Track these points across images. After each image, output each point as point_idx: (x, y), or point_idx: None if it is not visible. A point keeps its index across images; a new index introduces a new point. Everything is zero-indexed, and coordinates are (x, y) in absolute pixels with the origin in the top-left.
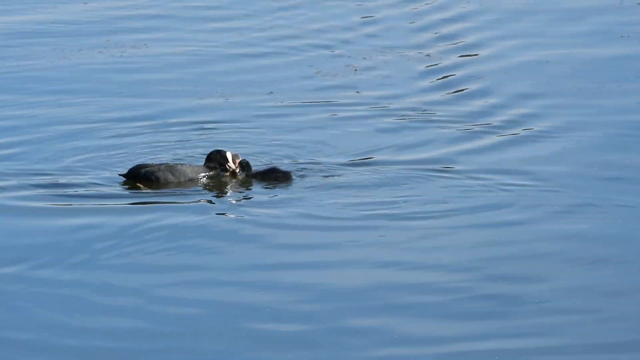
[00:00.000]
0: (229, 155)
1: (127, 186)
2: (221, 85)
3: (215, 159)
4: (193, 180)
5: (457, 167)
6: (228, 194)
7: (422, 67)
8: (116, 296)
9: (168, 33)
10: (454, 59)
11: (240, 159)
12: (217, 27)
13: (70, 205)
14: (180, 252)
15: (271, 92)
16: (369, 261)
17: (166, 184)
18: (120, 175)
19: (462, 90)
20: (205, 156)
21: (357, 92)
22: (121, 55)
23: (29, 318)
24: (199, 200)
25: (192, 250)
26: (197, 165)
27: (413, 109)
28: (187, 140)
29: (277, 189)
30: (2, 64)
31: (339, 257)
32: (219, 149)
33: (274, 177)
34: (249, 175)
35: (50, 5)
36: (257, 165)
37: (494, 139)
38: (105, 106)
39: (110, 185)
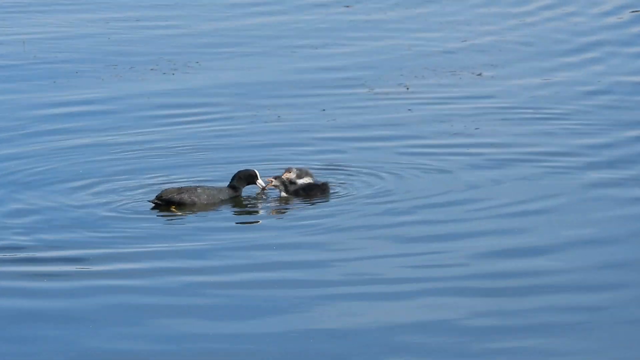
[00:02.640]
0: (257, 174)
1: (158, 211)
2: (273, 104)
3: (244, 178)
4: (224, 201)
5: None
6: (275, 215)
7: (476, 89)
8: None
9: (220, 51)
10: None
11: (278, 178)
12: (267, 47)
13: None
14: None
15: (323, 110)
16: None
17: (198, 206)
18: (150, 201)
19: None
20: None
21: (409, 110)
22: (173, 74)
23: None
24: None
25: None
26: (221, 186)
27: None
28: (242, 159)
29: (321, 204)
30: (53, 81)
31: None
32: (247, 168)
33: (320, 190)
34: (291, 192)
35: (102, 22)
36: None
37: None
38: (157, 125)
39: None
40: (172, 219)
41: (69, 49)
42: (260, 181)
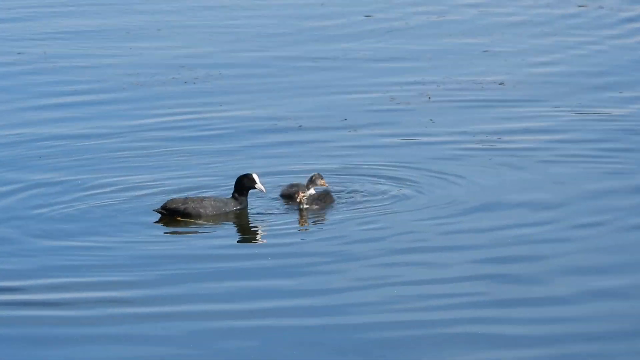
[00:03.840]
0: (256, 177)
1: (164, 221)
2: (294, 111)
3: (244, 184)
4: (230, 213)
5: None
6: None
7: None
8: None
9: (242, 60)
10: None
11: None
12: (288, 54)
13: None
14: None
15: (345, 119)
16: None
17: (204, 217)
18: (155, 210)
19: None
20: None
21: (431, 120)
22: (194, 83)
23: None
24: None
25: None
26: (227, 197)
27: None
28: (261, 168)
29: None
30: (74, 88)
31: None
32: (247, 173)
33: (330, 199)
34: (312, 204)
35: (122, 34)
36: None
37: None
38: (182, 135)
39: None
40: (173, 236)
41: (89, 59)
42: (259, 185)
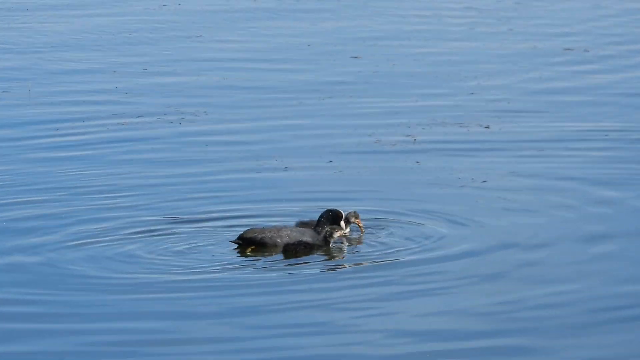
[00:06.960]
0: (343, 214)
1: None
2: (280, 152)
3: (328, 218)
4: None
5: None
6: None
7: (481, 139)
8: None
9: (228, 100)
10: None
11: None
12: (276, 97)
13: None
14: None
15: (330, 161)
16: None
17: (279, 248)
18: (232, 241)
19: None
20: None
21: (417, 162)
22: (180, 123)
23: None
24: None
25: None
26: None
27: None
28: (246, 213)
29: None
30: (55, 128)
31: None
32: (335, 209)
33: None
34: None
35: (109, 72)
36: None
37: None
38: (166, 175)
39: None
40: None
41: (75, 95)
42: (343, 224)
